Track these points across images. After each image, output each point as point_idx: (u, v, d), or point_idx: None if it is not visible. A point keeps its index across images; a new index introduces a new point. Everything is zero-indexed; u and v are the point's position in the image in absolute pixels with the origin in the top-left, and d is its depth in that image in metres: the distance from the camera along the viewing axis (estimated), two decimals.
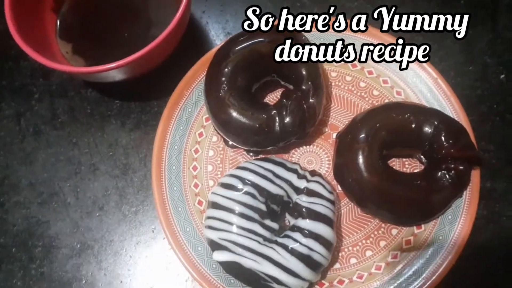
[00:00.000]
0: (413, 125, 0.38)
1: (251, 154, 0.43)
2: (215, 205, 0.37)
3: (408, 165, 0.42)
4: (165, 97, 0.44)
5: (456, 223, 0.38)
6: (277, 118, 0.39)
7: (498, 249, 0.40)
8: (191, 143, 0.43)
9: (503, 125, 0.44)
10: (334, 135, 0.42)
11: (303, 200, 0.37)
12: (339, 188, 0.40)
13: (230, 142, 0.43)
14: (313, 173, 0.39)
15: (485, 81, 0.45)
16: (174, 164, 0.42)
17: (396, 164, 0.42)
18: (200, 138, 0.44)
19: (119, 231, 0.43)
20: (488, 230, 0.41)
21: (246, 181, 0.37)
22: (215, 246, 0.36)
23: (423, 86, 0.43)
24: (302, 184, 0.38)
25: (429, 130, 0.38)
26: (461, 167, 0.37)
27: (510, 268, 0.40)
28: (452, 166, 0.37)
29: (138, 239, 0.43)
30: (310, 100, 0.39)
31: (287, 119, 0.39)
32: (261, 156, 0.43)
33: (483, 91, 0.45)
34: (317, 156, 0.43)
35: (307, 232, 0.36)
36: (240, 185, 0.37)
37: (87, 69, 0.39)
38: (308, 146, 0.43)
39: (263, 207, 0.36)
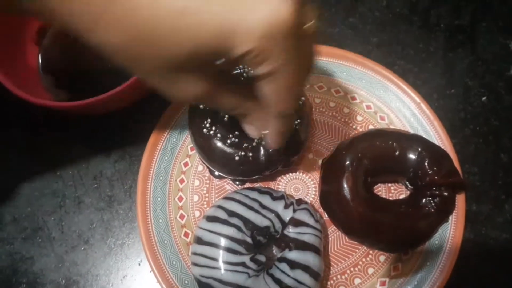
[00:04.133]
0: (397, 152, 0.38)
1: (237, 183, 0.43)
2: (199, 241, 0.36)
3: (394, 190, 0.42)
4: (150, 127, 0.44)
5: (443, 248, 0.39)
6: (261, 147, 0.39)
7: (486, 272, 0.40)
8: (176, 173, 0.43)
9: (486, 147, 0.44)
10: (320, 161, 0.43)
11: (290, 231, 0.37)
12: (326, 215, 0.40)
13: (217, 173, 0.43)
14: (300, 202, 0.39)
15: (467, 103, 0.46)
16: (159, 195, 0.42)
17: (381, 189, 0.42)
18: (186, 168, 0.44)
19: (105, 265, 0.42)
20: (475, 254, 0.41)
21: (232, 212, 0.37)
22: (199, 284, 0.36)
23: (407, 110, 0.43)
24: (288, 214, 0.38)
25: (413, 157, 0.38)
26: (446, 193, 0.37)
27: None
28: (437, 192, 0.37)
29: (125, 273, 0.42)
30: (294, 129, 0.39)
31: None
32: (247, 184, 0.43)
33: (466, 114, 0.46)
34: (304, 183, 0.43)
35: (294, 263, 0.36)
36: (225, 217, 0.37)
37: (70, 104, 0.39)
38: (294, 173, 0.43)
39: (249, 239, 0.36)
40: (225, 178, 0.43)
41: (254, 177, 0.41)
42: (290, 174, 0.43)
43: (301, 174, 0.43)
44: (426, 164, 0.37)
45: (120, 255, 0.43)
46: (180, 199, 0.43)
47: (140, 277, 0.42)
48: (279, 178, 0.43)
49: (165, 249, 0.40)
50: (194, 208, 0.42)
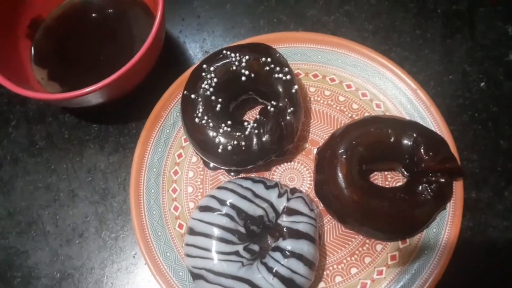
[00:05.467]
0: (392, 139, 0.38)
1: (232, 173, 0.43)
2: (192, 231, 0.36)
3: (390, 179, 0.41)
4: (143, 119, 0.45)
5: (441, 236, 0.38)
6: (254, 136, 0.39)
7: (485, 261, 0.40)
8: (170, 164, 0.43)
9: (485, 133, 0.44)
10: (315, 151, 0.42)
11: (284, 220, 0.37)
12: (322, 205, 0.40)
13: (211, 165, 0.43)
14: (294, 190, 0.39)
15: (465, 89, 0.46)
16: (153, 187, 0.42)
17: (378, 178, 0.42)
18: (179, 160, 0.44)
19: (100, 258, 0.43)
20: (475, 242, 0.40)
21: (225, 202, 0.37)
22: (192, 275, 0.36)
23: (403, 97, 0.43)
24: (282, 203, 0.38)
25: (408, 143, 0.38)
26: (442, 180, 0.37)
27: (498, 281, 0.39)
28: (433, 179, 0.37)
29: (119, 266, 0.42)
30: (287, 117, 0.39)
31: (265, 137, 0.39)
32: (242, 175, 0.43)
33: (464, 100, 0.45)
34: (299, 172, 0.43)
35: (288, 252, 0.35)
36: (218, 206, 0.36)
37: (62, 95, 0.39)
38: (289, 163, 0.43)
39: (242, 229, 0.36)
40: (219, 169, 0.43)
41: (248, 167, 0.41)
42: (285, 164, 0.43)
43: (296, 163, 0.43)
44: (421, 150, 0.37)
45: (114, 248, 0.43)
46: (174, 190, 0.43)
47: (135, 269, 0.42)
48: (274, 168, 0.43)
49: (159, 241, 0.40)
50: (188, 200, 0.42)
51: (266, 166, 0.43)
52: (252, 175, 0.43)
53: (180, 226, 0.41)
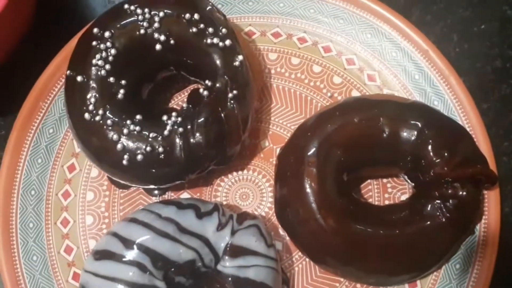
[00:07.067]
0: (386, 133, 0.37)
1: (155, 193, 0.42)
2: None
3: (392, 189, 0.41)
4: (13, 113, 0.43)
5: (468, 275, 0.38)
6: (178, 138, 0.37)
7: None
8: (57, 183, 0.42)
9: None
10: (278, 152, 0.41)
11: (227, 266, 0.36)
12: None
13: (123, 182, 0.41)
14: (244, 216, 0.38)
15: (506, 46, 0.44)
16: (32, 219, 0.41)
17: (373, 188, 0.41)
18: (71, 174, 0.42)
19: None
20: None
21: (132, 243, 0.35)
22: None
23: (409, 63, 0.42)
24: (224, 238, 0.36)
25: (410, 139, 0.36)
26: (463, 193, 0.35)
27: None
28: (450, 192, 0.35)
29: None
30: (229, 105, 0.37)
31: (195, 138, 0.37)
32: (170, 194, 0.42)
33: (505, 63, 0.44)
34: (255, 186, 0.42)
35: None
36: (121, 251, 0.35)
37: None
38: (240, 172, 0.42)
39: (160, 284, 0.35)
40: (134, 186, 0.42)
41: (175, 183, 0.39)
42: (235, 173, 0.42)
43: (250, 172, 0.42)
44: (429, 148, 0.36)
45: None
46: (65, 223, 0.41)
47: None
48: (217, 181, 0.42)
49: None
50: (88, 236, 0.41)
51: (205, 179, 0.42)
52: (184, 193, 0.42)
53: (76, 276, 0.40)
